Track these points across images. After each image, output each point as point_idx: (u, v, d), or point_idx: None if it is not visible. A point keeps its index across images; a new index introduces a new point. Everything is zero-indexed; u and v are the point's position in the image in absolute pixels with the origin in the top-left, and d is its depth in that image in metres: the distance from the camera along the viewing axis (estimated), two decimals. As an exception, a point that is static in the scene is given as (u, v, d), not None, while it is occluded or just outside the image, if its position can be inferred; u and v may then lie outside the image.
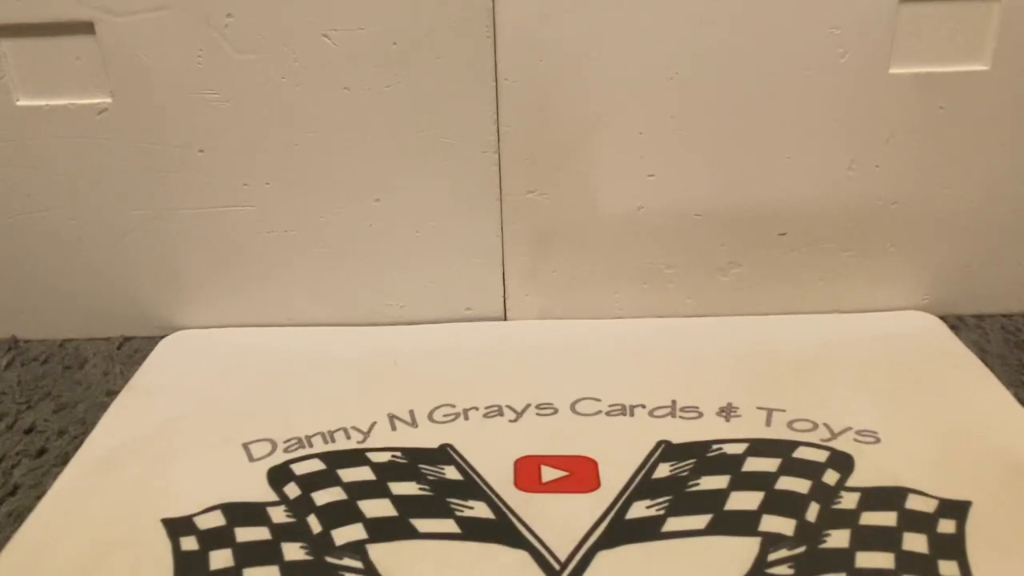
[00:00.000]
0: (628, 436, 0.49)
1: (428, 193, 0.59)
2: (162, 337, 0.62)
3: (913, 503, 0.43)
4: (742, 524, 0.42)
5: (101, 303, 0.63)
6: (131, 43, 0.55)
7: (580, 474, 0.47)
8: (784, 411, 0.51)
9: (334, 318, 0.63)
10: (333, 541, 0.42)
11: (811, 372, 0.55)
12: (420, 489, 0.46)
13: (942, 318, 0.61)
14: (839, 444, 0.48)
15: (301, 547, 0.42)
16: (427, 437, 0.50)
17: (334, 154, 0.58)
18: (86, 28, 0.55)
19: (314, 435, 0.51)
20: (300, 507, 0.45)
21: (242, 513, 0.44)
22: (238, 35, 0.55)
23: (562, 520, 0.43)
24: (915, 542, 0.41)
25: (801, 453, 0.47)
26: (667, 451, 0.48)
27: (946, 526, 0.42)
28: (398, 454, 0.49)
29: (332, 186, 0.59)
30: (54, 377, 0.60)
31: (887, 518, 0.42)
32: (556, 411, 0.52)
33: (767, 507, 0.43)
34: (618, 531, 0.42)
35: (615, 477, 0.46)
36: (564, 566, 0.40)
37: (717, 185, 0.59)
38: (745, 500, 0.44)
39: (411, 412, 0.53)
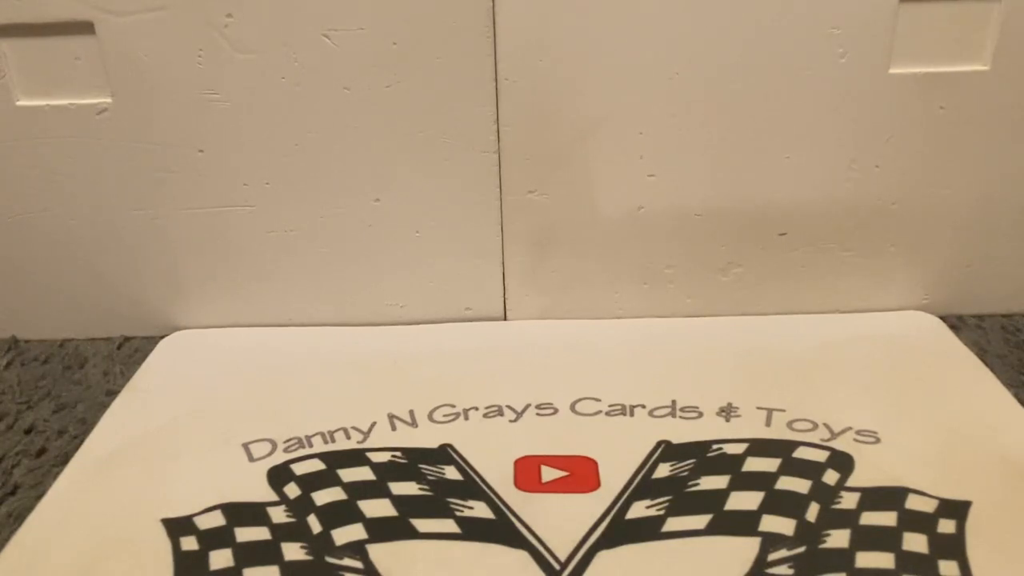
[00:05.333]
0: (628, 436, 0.49)
1: (428, 193, 0.59)
2: (162, 337, 0.62)
3: (913, 503, 0.43)
4: (742, 524, 0.42)
5: (101, 303, 0.63)
6: (131, 43, 0.55)
7: (580, 474, 0.47)
8: (784, 411, 0.51)
9: (334, 318, 0.63)
10: (333, 541, 0.42)
11: (811, 372, 0.55)
12: (420, 489, 0.46)
13: (942, 318, 0.61)
14: (839, 444, 0.48)
15: (301, 547, 0.42)
16: (427, 437, 0.50)
17: (334, 154, 0.58)
18: (86, 28, 0.55)
19: (314, 435, 0.51)
20: (300, 507, 0.45)
21: (242, 513, 0.44)
22: (238, 35, 0.55)
23: (562, 520, 0.43)
24: (915, 542, 0.41)
25: (801, 453, 0.47)
26: (667, 451, 0.48)
27: (946, 526, 0.42)
28: (398, 454, 0.49)
29: (332, 186, 0.59)
30: (54, 377, 0.60)
31: (887, 518, 0.42)
32: (556, 411, 0.52)
33: (767, 507, 0.43)
34: (618, 531, 0.42)
35: (615, 477, 0.46)
36: (564, 566, 0.40)
37: (717, 185, 0.59)
38: (745, 500, 0.44)
39: (411, 412, 0.53)
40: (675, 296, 0.62)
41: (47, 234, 0.61)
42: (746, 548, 0.41)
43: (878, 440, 0.48)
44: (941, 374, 0.55)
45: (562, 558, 0.41)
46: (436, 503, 0.45)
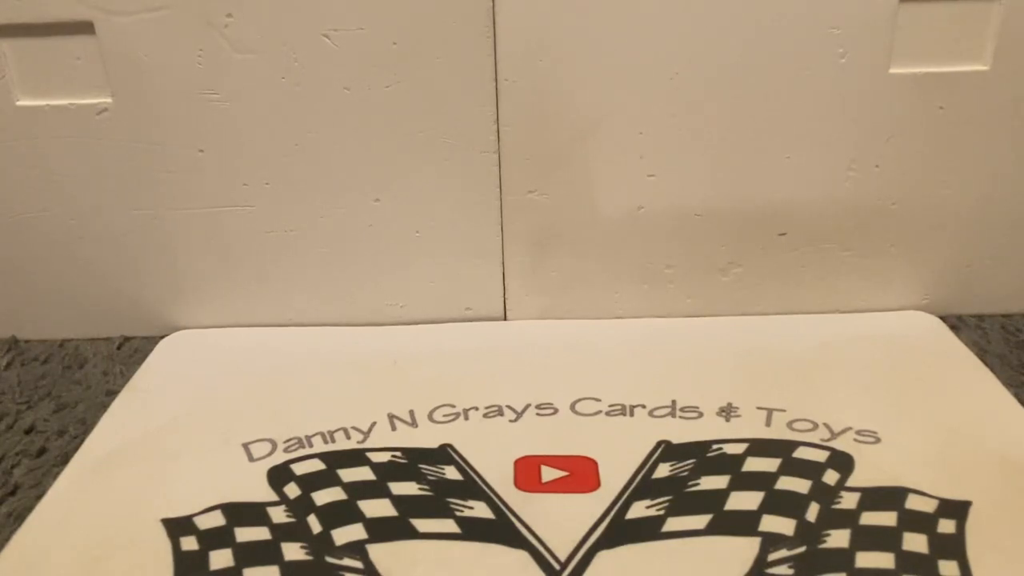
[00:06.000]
0: (628, 436, 0.49)
1: (428, 193, 0.59)
2: (162, 337, 0.62)
3: (913, 503, 0.43)
4: (742, 524, 0.42)
5: (101, 303, 0.63)
6: (131, 43, 0.55)
7: (580, 474, 0.47)
8: (784, 411, 0.51)
9: (334, 318, 0.63)
10: (333, 541, 0.42)
11: (811, 372, 0.55)
12: (420, 489, 0.46)
13: (942, 318, 0.61)
14: (839, 444, 0.48)
15: (301, 547, 0.42)
16: (427, 437, 0.50)
17: (334, 154, 0.58)
18: (86, 28, 0.55)
19: (314, 435, 0.51)
20: (300, 507, 0.45)
21: (242, 513, 0.44)
22: (238, 35, 0.55)
23: (562, 520, 0.43)
24: (915, 542, 0.41)
25: (801, 453, 0.47)
26: (667, 451, 0.48)
27: (946, 526, 0.42)
28: (398, 454, 0.49)
29: (332, 186, 0.59)
30: (54, 377, 0.60)
31: (887, 518, 0.42)
32: (556, 411, 0.52)
33: (767, 507, 0.43)
34: (618, 531, 0.42)
35: (615, 477, 0.46)
36: (564, 566, 0.40)
37: (717, 185, 0.59)
38: (745, 500, 0.44)
39: (411, 412, 0.53)
40: (675, 296, 0.62)
41: (47, 234, 0.61)
42: (746, 548, 0.41)
43: (878, 440, 0.48)
44: (941, 374, 0.55)
45: (562, 558, 0.41)
46: (436, 503, 0.45)
